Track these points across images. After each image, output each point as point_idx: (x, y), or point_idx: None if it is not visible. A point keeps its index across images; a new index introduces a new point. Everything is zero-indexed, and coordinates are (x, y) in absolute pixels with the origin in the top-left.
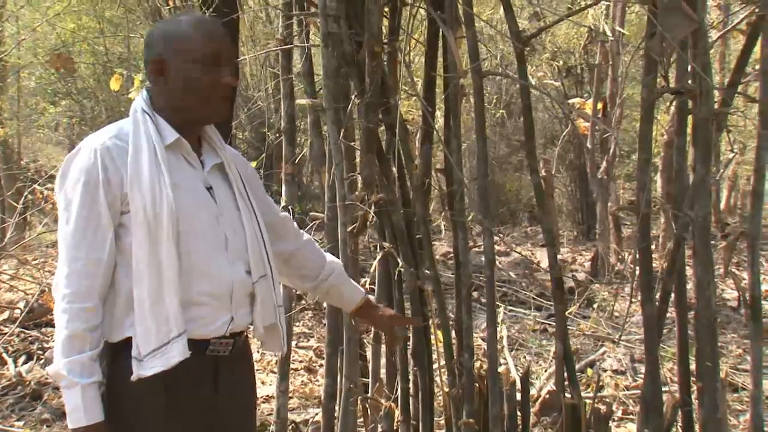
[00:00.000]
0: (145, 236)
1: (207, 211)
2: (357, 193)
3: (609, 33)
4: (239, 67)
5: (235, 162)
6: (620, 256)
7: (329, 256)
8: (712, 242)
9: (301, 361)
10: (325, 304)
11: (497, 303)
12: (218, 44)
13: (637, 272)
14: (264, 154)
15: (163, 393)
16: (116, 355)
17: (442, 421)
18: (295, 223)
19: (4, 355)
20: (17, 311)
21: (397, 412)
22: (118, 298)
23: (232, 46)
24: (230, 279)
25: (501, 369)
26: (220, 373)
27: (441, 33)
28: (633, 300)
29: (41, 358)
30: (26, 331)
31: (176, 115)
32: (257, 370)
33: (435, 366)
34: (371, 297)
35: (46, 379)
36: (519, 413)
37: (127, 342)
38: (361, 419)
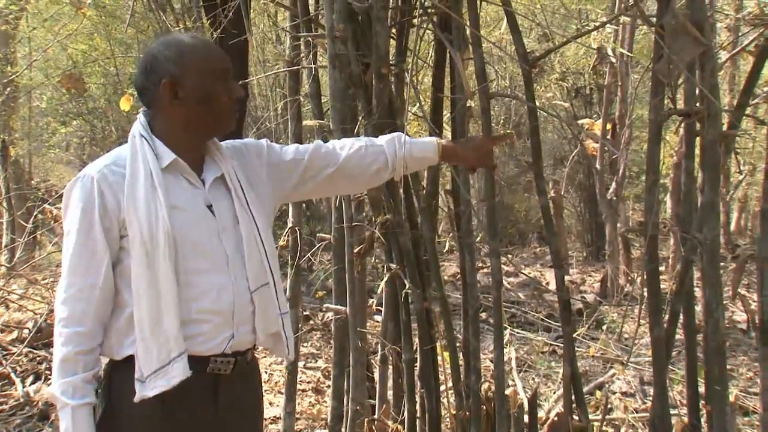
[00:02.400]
0: (142, 259)
1: (207, 229)
2: (363, 213)
3: (615, 53)
4: (248, 87)
5: (237, 160)
6: (630, 278)
7: (383, 139)
8: (723, 264)
9: (308, 382)
10: (332, 325)
11: (505, 324)
12: (227, 60)
13: (646, 294)
14: None
15: (160, 409)
16: (117, 372)
17: None
18: (331, 143)
19: (12, 375)
20: (26, 331)
21: None
22: (121, 318)
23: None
24: (231, 296)
25: (509, 391)
26: (220, 392)
27: (448, 54)
28: (642, 322)
29: (49, 379)
30: (34, 351)
31: (187, 134)
32: (264, 390)
33: (442, 388)
34: (443, 141)
35: None
36: None
37: (128, 359)
38: None
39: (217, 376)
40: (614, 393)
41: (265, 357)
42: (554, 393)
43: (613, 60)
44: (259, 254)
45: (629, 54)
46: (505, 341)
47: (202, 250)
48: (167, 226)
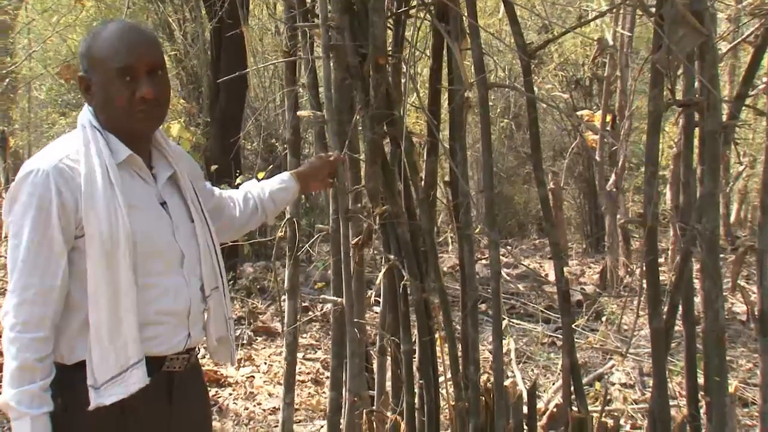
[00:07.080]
0: (101, 261)
1: (163, 228)
2: (360, 204)
3: (614, 39)
4: (247, 78)
5: (182, 164)
6: (629, 269)
7: (244, 188)
8: (722, 255)
9: (308, 373)
10: (330, 316)
11: (504, 316)
12: (134, 57)
13: (645, 285)
14: (272, 165)
15: (119, 412)
16: (71, 378)
17: None
18: (226, 191)
19: None
20: None
21: (403, 426)
22: (72, 322)
23: (159, 54)
24: (187, 296)
25: (508, 382)
26: (174, 387)
27: (446, 45)
28: (641, 313)
29: None
30: None
31: (115, 130)
32: (264, 381)
33: (441, 379)
34: (290, 174)
35: None
36: (525, 427)
37: (80, 365)
38: None
39: (170, 374)
40: (613, 384)
41: (264, 348)
42: (553, 384)
43: (611, 44)
44: (211, 258)
45: (629, 34)
46: (503, 332)
47: (159, 251)
48: (127, 227)
